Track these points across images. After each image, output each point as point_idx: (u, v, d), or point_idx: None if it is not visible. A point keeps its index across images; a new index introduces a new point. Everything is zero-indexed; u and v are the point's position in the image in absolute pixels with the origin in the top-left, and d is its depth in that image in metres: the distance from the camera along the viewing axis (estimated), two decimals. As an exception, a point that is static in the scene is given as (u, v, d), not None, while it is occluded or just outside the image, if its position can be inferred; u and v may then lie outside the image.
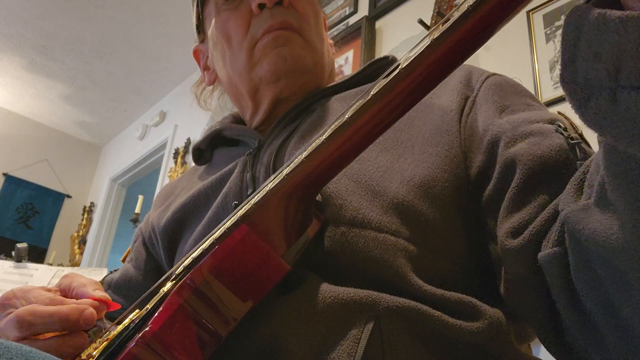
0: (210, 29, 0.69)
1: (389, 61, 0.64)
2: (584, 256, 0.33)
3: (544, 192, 0.41)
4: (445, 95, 0.55)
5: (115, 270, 0.74)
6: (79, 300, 0.44)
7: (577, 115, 0.28)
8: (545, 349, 0.42)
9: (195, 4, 0.72)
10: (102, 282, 0.72)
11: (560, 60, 0.28)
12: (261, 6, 0.62)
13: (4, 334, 0.42)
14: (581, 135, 0.43)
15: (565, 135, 0.43)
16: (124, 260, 0.93)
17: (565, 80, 0.27)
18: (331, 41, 0.76)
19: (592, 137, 0.43)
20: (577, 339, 0.37)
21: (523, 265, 0.39)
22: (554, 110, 0.51)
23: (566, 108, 0.49)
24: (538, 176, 0.41)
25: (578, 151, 0.41)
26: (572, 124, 0.45)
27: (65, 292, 0.48)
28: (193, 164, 0.76)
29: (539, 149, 0.42)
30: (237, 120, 0.74)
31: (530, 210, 0.40)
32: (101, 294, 0.46)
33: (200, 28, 0.73)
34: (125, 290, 0.68)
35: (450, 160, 0.49)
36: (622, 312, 0.32)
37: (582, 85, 0.26)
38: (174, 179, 0.78)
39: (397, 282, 0.43)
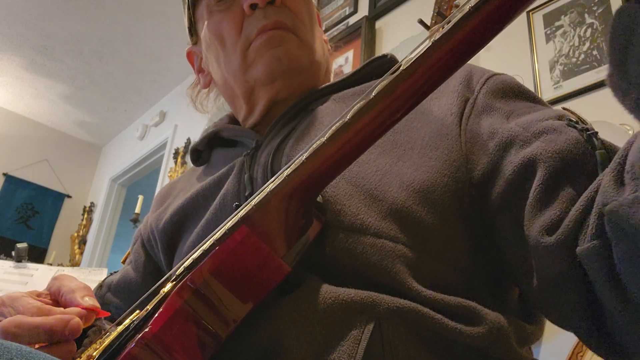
0: (203, 31, 0.68)
1: (387, 60, 0.63)
2: (635, 248, 0.32)
3: (569, 187, 0.40)
4: (444, 96, 0.54)
5: (115, 272, 0.74)
6: (66, 309, 0.44)
7: (632, 116, 0.28)
8: (544, 351, 0.41)
9: (186, 6, 0.71)
10: (102, 284, 0.72)
11: (609, 63, 0.28)
12: (253, 6, 0.61)
13: None
14: (592, 126, 0.43)
15: (579, 127, 0.43)
16: (124, 262, 0.93)
17: (616, 80, 0.27)
18: (325, 37, 0.75)
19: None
20: (626, 332, 0.36)
21: (561, 261, 0.38)
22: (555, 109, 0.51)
23: (567, 107, 0.48)
24: (561, 172, 0.41)
25: (596, 141, 0.41)
26: (580, 118, 0.45)
27: (55, 295, 0.48)
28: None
29: (557, 144, 0.42)
30: (233, 120, 0.73)
31: (560, 206, 0.40)
32: (90, 302, 0.46)
33: (193, 30, 0.73)
34: (125, 292, 0.68)
35: (450, 165, 0.48)
36: None
37: (638, 85, 0.26)
38: (173, 180, 0.77)
39: (397, 288, 0.43)
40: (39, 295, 0.48)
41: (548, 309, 0.44)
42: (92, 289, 0.50)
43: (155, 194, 0.78)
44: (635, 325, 0.35)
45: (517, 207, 0.44)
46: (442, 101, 0.54)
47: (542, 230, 0.40)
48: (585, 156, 0.41)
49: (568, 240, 0.38)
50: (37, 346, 0.42)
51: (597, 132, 0.42)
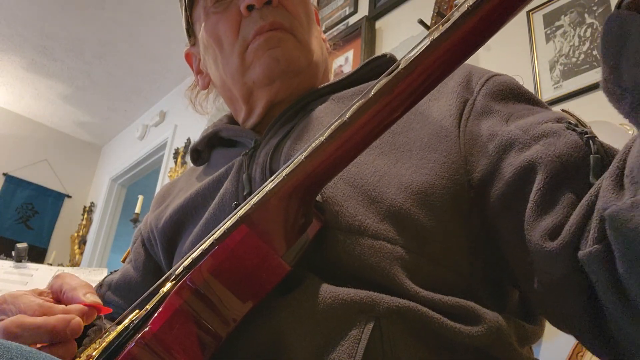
0: (200, 33, 0.68)
1: (387, 59, 0.63)
2: (635, 252, 0.32)
3: (570, 191, 0.40)
4: (444, 97, 0.54)
5: (115, 271, 0.74)
6: (67, 307, 0.44)
7: (628, 120, 0.28)
8: (544, 351, 0.41)
9: (183, 7, 0.70)
10: (102, 283, 0.72)
11: (602, 68, 0.28)
12: (250, 7, 0.61)
13: None
14: (591, 129, 0.43)
15: (578, 131, 0.43)
16: (124, 261, 0.93)
17: (610, 88, 0.28)
18: (324, 36, 0.75)
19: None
20: (627, 333, 0.36)
21: (563, 266, 0.38)
22: (556, 109, 0.51)
23: (567, 107, 0.48)
24: (561, 175, 0.41)
25: (592, 145, 0.41)
26: (579, 120, 0.45)
27: (57, 294, 0.48)
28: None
29: (556, 148, 0.42)
30: (233, 120, 0.73)
31: (561, 211, 0.40)
32: (92, 298, 0.46)
33: (190, 31, 0.72)
34: (125, 291, 0.68)
35: (448, 167, 0.48)
36: None
37: (632, 91, 0.26)
38: (172, 179, 0.77)
39: (395, 289, 0.43)
40: (40, 293, 0.48)
41: (550, 312, 0.44)
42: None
43: (155, 193, 0.78)
44: (636, 329, 0.35)
45: (517, 210, 0.44)
46: (441, 102, 0.54)
47: (545, 235, 0.40)
48: (585, 160, 0.41)
49: (570, 245, 0.38)
50: (38, 345, 0.42)
51: (594, 136, 0.42)
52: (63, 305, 0.45)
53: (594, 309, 0.38)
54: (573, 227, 0.38)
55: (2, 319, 0.43)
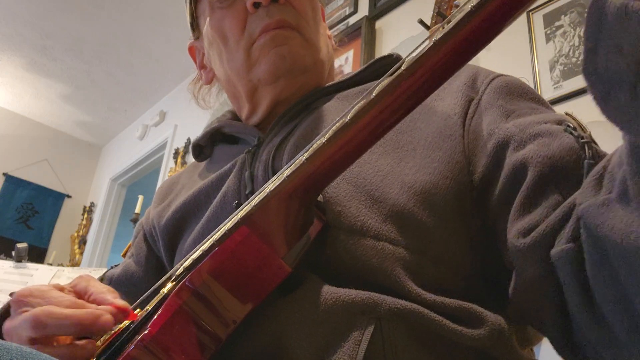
0: (205, 27, 0.67)
1: (393, 59, 0.63)
2: (601, 252, 0.32)
3: (555, 193, 0.40)
4: (449, 97, 0.54)
5: (116, 266, 0.73)
6: (99, 307, 0.43)
7: (599, 109, 0.27)
8: (544, 351, 0.41)
9: (188, 1, 0.70)
10: (103, 277, 0.71)
11: (583, 49, 0.27)
12: (256, 4, 0.61)
13: (17, 332, 0.41)
14: (590, 135, 0.43)
15: (575, 134, 0.42)
16: (124, 256, 0.92)
17: (587, 71, 0.27)
18: (329, 33, 0.74)
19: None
20: (589, 337, 0.36)
21: (534, 264, 0.38)
22: (555, 109, 0.51)
23: (567, 107, 0.48)
24: (549, 177, 0.40)
25: (587, 150, 0.40)
26: (580, 124, 0.44)
27: (81, 294, 0.47)
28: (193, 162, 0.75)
29: (549, 149, 0.41)
30: (236, 116, 0.73)
31: (541, 211, 0.39)
32: (122, 302, 0.44)
33: (195, 25, 0.72)
34: (126, 286, 0.68)
35: (452, 166, 0.48)
36: (638, 310, 0.31)
37: (603, 78, 0.26)
38: (175, 174, 0.77)
39: (397, 290, 0.42)
40: (61, 289, 0.47)
41: (523, 313, 0.43)
42: None
43: (157, 187, 0.78)
44: (598, 336, 0.34)
45: (509, 210, 0.43)
46: (446, 101, 0.54)
47: (518, 233, 0.40)
48: (577, 164, 0.40)
49: (542, 244, 0.37)
50: (61, 342, 0.41)
51: (591, 141, 0.41)
52: (95, 305, 0.44)
53: (564, 312, 0.37)
54: (548, 227, 0.37)
55: (27, 311, 0.41)
